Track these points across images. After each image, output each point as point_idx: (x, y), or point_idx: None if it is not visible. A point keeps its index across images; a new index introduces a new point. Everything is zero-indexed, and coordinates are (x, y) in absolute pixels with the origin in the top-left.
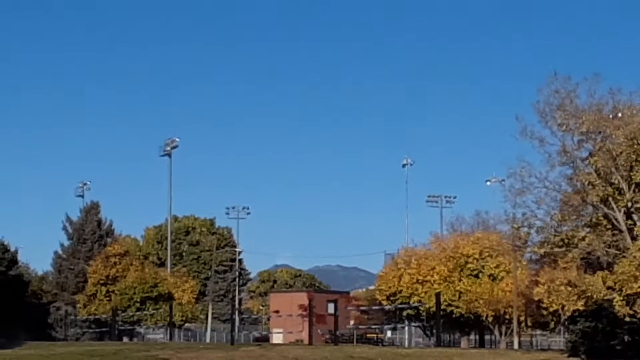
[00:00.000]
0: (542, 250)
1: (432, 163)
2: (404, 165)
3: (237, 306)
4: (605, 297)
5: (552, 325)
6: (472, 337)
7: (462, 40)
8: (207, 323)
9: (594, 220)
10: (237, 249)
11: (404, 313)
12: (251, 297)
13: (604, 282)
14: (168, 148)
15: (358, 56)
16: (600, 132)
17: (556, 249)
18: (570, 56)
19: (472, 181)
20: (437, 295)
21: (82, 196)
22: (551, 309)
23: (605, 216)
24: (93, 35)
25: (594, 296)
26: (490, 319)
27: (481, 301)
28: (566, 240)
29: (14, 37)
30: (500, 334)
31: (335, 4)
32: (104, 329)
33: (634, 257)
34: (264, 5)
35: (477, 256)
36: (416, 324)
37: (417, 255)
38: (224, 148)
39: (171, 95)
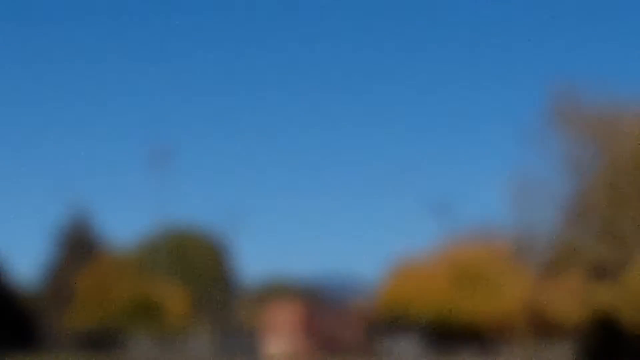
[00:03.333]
0: (545, 259)
1: (431, 170)
2: (402, 171)
3: (231, 316)
4: (612, 307)
5: (556, 335)
6: (472, 348)
7: (461, 47)
8: (199, 335)
9: (600, 228)
10: (230, 259)
11: (402, 324)
12: (245, 308)
13: (610, 292)
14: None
15: (349, 61)
16: (607, 138)
17: (560, 258)
18: (576, 60)
19: (473, 188)
20: (437, 306)
21: (71, 207)
22: (555, 319)
23: (612, 224)
24: (77, 46)
25: (600, 306)
26: (491, 330)
27: (481, 311)
28: (571, 249)
29: None
30: (502, 344)
31: (323, 36)
32: (93, 341)
33: None
34: (253, 24)
35: (478, 264)
36: (414, 336)
37: (415, 265)
38: (217, 156)
39: (156, 108)
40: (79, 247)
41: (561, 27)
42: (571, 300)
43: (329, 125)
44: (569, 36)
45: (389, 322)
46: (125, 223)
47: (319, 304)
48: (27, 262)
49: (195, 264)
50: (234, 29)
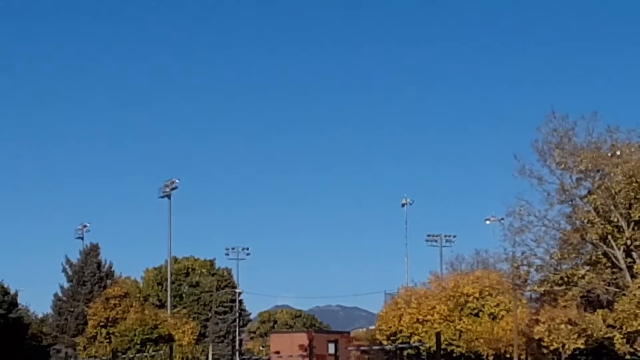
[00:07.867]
0: (542, 289)
1: (432, 202)
2: (403, 205)
3: (237, 347)
4: (606, 335)
5: None
6: None
7: (460, 81)
8: None
9: (593, 258)
10: (237, 290)
11: (405, 353)
12: (252, 338)
13: (604, 320)
14: (167, 189)
15: (355, 96)
16: (598, 170)
17: (556, 288)
18: (569, 95)
19: (472, 220)
20: (438, 334)
21: (82, 238)
22: (552, 348)
23: (605, 254)
24: (93, 73)
25: (595, 334)
26: (490, 358)
27: (481, 340)
28: (566, 279)
29: None
30: None
31: (325, 55)
32: None
33: (634, 294)
34: (263, 55)
35: (477, 295)
36: None
37: (417, 295)
38: (224, 189)
39: (170, 136)
40: (89, 279)
41: (555, 64)
42: (567, 329)
43: (332, 163)
44: (562, 71)
45: (391, 350)
46: (134, 255)
47: (323, 333)
48: (40, 293)
49: (202, 295)
50: (237, 78)
